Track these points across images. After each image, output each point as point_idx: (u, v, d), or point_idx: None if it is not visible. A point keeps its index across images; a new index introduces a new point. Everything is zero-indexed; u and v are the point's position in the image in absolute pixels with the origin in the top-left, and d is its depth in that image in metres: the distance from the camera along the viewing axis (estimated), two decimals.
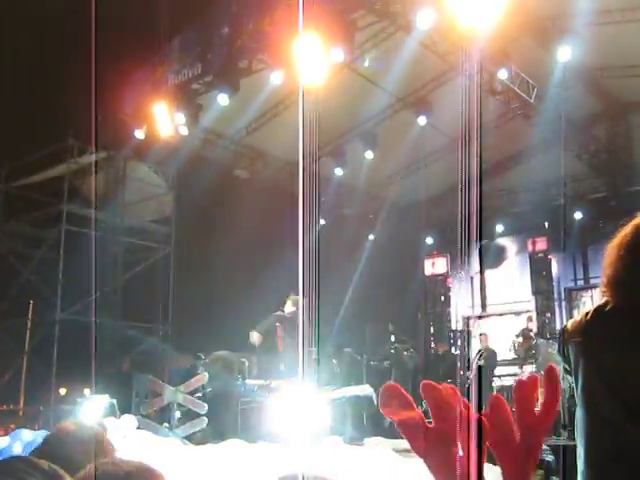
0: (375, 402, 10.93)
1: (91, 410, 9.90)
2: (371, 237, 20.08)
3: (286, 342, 10.62)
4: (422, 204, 20.10)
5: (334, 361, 13.57)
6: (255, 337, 10.84)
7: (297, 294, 10.87)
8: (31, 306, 15.71)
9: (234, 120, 15.52)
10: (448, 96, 14.37)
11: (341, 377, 13.09)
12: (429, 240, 20.19)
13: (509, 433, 1.08)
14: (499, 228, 18.89)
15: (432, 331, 18.64)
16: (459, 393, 1.08)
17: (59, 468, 2.04)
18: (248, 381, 11.67)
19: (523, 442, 1.08)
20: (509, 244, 19.07)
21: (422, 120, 15.05)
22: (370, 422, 10.75)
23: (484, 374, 13.74)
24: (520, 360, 14.98)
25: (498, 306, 18.55)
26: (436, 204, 20.01)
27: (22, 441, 7.52)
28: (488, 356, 13.80)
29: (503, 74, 12.93)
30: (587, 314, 2.53)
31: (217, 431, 9.93)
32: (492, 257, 19.13)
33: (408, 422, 1.04)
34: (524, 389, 1.12)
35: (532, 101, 13.87)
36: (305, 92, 13.48)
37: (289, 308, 10.79)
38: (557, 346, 2.72)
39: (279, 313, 10.98)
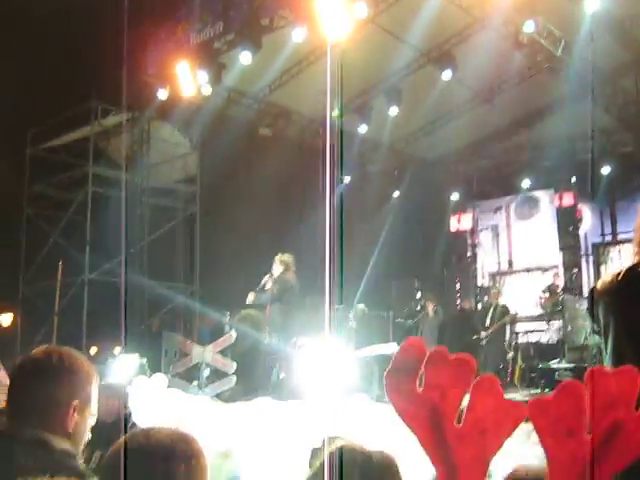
0: None
1: (122, 369, 10.06)
2: (396, 193, 20.00)
3: (276, 304, 10.60)
4: (447, 159, 19.95)
5: (350, 315, 13.60)
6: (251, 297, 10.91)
7: (284, 254, 10.87)
8: (60, 267, 15.88)
9: (257, 78, 15.43)
10: (473, 50, 14.16)
11: (357, 333, 13.02)
12: (455, 195, 20.06)
13: (576, 425, 0.91)
14: (526, 183, 18.72)
15: (458, 287, 18.59)
16: (473, 366, 0.97)
17: (43, 432, 1.95)
18: (274, 339, 11.75)
19: (602, 442, 0.90)
20: (536, 199, 18.88)
21: (447, 74, 14.83)
22: None
23: (501, 332, 13.69)
24: (547, 316, 14.94)
25: (525, 261, 18.46)
26: (462, 159, 19.86)
27: None
28: (501, 313, 13.71)
29: (529, 26, 12.66)
30: (618, 274, 2.49)
31: (246, 389, 10.04)
32: (519, 212, 18.99)
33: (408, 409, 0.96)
34: (617, 381, 0.92)
35: (559, 54, 13.61)
36: (328, 48, 13.37)
37: (277, 270, 10.74)
38: (586, 305, 2.69)
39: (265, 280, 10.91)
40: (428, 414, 0.95)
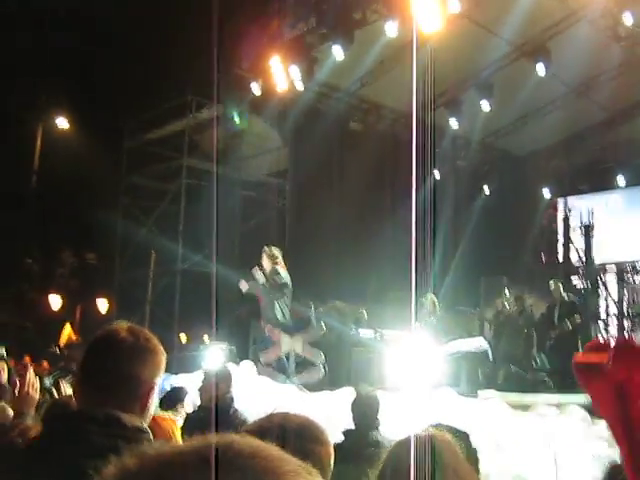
0: (490, 357, 10.89)
1: (212, 357, 10.31)
2: (486, 188, 19.76)
3: (269, 299, 10.31)
4: (539, 155, 19.59)
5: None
6: (243, 285, 10.64)
7: (271, 247, 10.58)
8: (153, 257, 16.32)
9: (349, 72, 15.48)
10: (569, 43, 13.86)
11: (433, 326, 12.40)
12: (546, 192, 19.70)
13: None
14: (621, 179, 18.24)
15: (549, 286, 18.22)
16: None
17: (116, 410, 1.96)
18: (361, 330, 11.82)
19: None
20: (632, 196, 18.37)
21: (540, 68, 14.56)
22: (484, 376, 10.73)
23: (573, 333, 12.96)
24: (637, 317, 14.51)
25: (619, 261, 17.97)
26: (554, 154, 19.46)
27: None
28: (568, 310, 12.92)
29: (628, 19, 12.34)
30: None
31: (331, 380, 10.14)
32: (613, 209, 18.52)
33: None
34: None
35: None
36: (420, 42, 13.32)
37: (266, 264, 10.37)
38: None
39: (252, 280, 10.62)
40: (614, 391, 0.99)
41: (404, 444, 1.97)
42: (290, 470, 0.69)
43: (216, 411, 4.95)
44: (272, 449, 0.71)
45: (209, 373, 5.98)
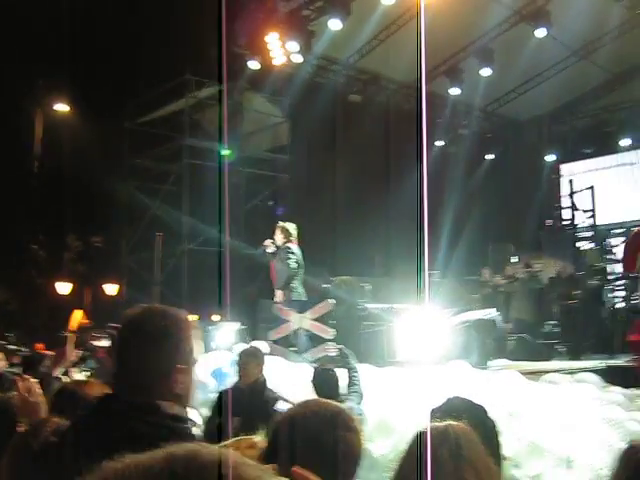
0: (499, 325, 10.87)
1: (223, 336, 10.32)
2: (489, 156, 19.65)
3: (282, 274, 10.11)
4: (542, 120, 19.47)
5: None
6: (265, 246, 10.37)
7: (286, 223, 10.34)
8: (159, 239, 16.28)
9: (346, 44, 15.36)
10: (568, 4, 13.71)
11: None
12: (550, 157, 19.59)
13: None
14: (625, 142, 18.10)
15: (556, 251, 18.16)
16: None
17: (154, 397, 1.94)
18: (369, 305, 11.79)
19: None
20: (636, 158, 18.24)
21: (541, 32, 14.41)
22: (495, 345, 10.72)
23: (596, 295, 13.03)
24: None
25: (625, 223, 17.89)
26: (557, 119, 19.35)
27: None
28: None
29: None
30: None
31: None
32: (618, 172, 18.42)
33: None
34: None
35: None
36: (418, 9, 13.14)
37: (279, 239, 10.10)
38: None
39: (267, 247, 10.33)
40: None
41: (421, 436, 1.95)
42: None
43: (251, 392, 4.94)
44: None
45: (244, 353, 5.84)
